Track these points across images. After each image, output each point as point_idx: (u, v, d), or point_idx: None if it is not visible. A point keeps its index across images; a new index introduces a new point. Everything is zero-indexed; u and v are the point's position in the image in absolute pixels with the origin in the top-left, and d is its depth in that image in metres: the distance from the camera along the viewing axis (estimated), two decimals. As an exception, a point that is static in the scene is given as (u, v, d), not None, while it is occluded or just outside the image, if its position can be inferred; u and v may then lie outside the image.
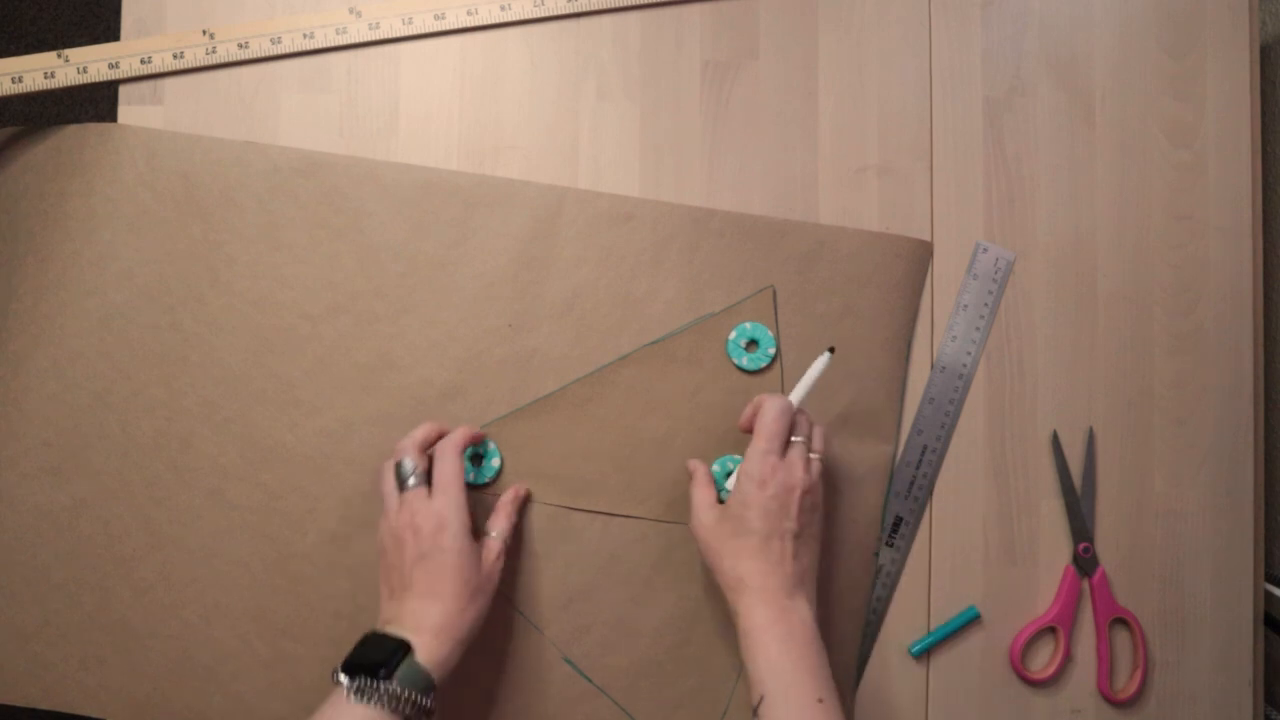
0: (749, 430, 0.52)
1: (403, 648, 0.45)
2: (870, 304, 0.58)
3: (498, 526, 0.53)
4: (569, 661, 0.55)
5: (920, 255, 0.59)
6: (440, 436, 0.53)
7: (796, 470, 0.50)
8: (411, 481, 0.50)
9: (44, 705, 0.54)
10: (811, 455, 0.52)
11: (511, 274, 0.56)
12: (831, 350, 0.53)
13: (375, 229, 0.56)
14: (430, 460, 0.51)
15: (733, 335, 0.57)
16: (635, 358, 0.56)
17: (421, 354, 0.56)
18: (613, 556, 0.56)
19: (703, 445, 0.57)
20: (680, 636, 0.56)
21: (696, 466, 0.55)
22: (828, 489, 0.56)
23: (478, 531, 0.52)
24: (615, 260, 0.57)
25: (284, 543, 0.55)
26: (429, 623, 0.47)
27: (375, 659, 0.45)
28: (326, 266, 0.56)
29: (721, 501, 0.53)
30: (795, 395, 0.52)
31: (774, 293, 0.57)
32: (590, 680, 0.55)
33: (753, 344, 0.57)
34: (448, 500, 0.49)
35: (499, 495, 0.55)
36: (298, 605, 0.55)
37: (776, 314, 0.57)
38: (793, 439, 0.51)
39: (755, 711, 0.46)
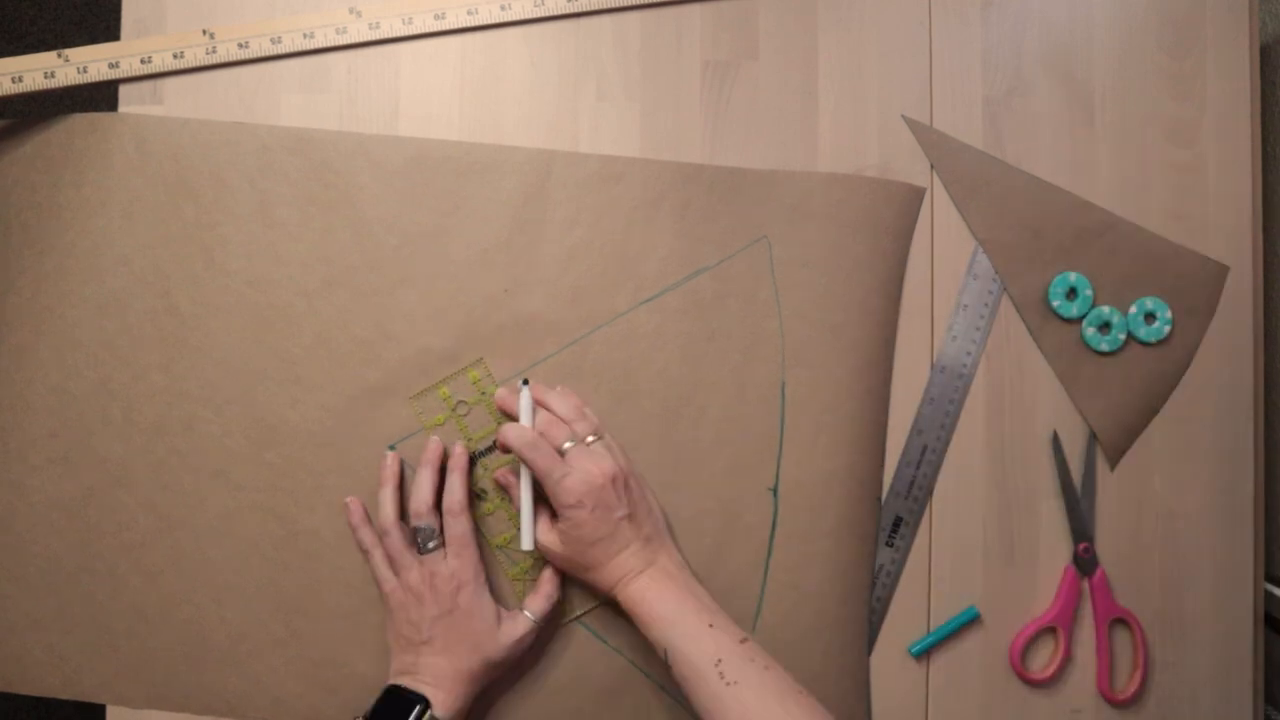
0: (507, 450, 0.52)
1: (423, 703, 0.49)
2: (863, 250, 0.58)
3: (534, 606, 0.53)
4: (583, 624, 0.56)
5: (910, 199, 0.59)
6: (438, 454, 0.54)
7: (592, 473, 0.50)
8: (431, 545, 0.52)
9: (63, 695, 0.55)
10: (590, 443, 0.52)
11: (505, 239, 0.56)
12: (526, 381, 0.54)
13: (367, 202, 0.56)
14: (441, 519, 0.53)
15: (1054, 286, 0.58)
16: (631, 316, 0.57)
17: (420, 324, 0.56)
18: None
19: (714, 399, 0.57)
20: None
21: (512, 484, 0.54)
22: (836, 432, 0.57)
23: (501, 596, 0.54)
24: (608, 220, 0.57)
25: (292, 520, 0.55)
26: (447, 678, 0.50)
27: (398, 715, 0.48)
28: (320, 242, 0.56)
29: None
30: (527, 423, 0.53)
31: (768, 243, 0.58)
32: (605, 641, 0.56)
33: (1073, 292, 0.58)
34: (463, 562, 0.52)
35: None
36: (309, 581, 0.55)
37: (772, 264, 0.58)
38: (565, 446, 0.51)
39: (668, 667, 0.48)
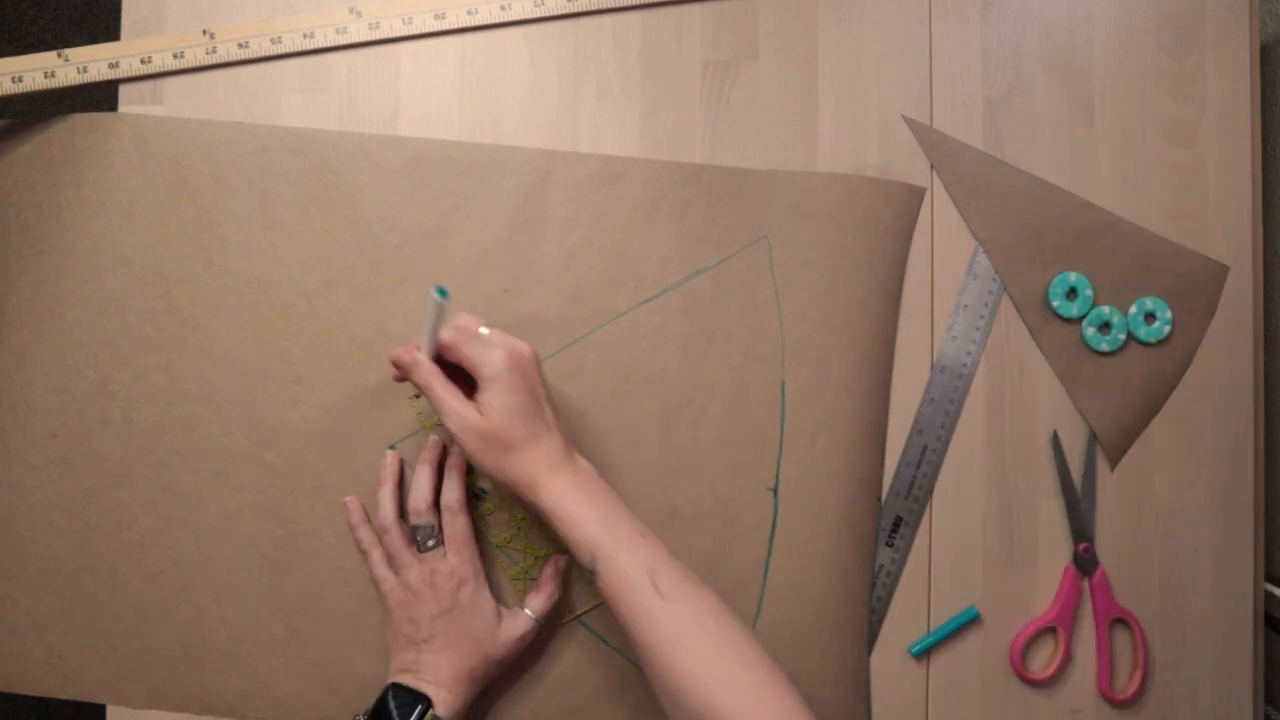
0: (401, 380, 0.51)
1: (425, 702, 0.49)
2: (863, 250, 0.58)
3: (535, 605, 0.53)
4: (583, 624, 0.56)
5: (910, 199, 0.59)
6: (437, 453, 0.54)
7: (516, 344, 0.48)
8: (431, 544, 0.52)
9: (63, 695, 0.55)
10: (483, 331, 0.49)
11: (505, 239, 0.57)
12: (442, 292, 0.46)
13: (367, 202, 0.56)
14: (440, 517, 0.53)
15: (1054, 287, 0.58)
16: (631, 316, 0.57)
17: (420, 325, 0.56)
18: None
19: (712, 400, 0.57)
20: None
21: (417, 362, 0.49)
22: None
23: (501, 596, 0.54)
24: (608, 220, 0.57)
25: (291, 520, 0.55)
26: (448, 676, 0.50)
27: (399, 714, 0.48)
28: (320, 242, 0.56)
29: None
30: (428, 348, 0.49)
31: (768, 243, 0.58)
32: (605, 641, 0.56)
33: (1073, 292, 0.58)
34: (463, 560, 0.52)
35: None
36: (309, 581, 0.55)
37: (772, 264, 0.58)
38: (482, 332, 0.49)
39: (594, 573, 0.46)
